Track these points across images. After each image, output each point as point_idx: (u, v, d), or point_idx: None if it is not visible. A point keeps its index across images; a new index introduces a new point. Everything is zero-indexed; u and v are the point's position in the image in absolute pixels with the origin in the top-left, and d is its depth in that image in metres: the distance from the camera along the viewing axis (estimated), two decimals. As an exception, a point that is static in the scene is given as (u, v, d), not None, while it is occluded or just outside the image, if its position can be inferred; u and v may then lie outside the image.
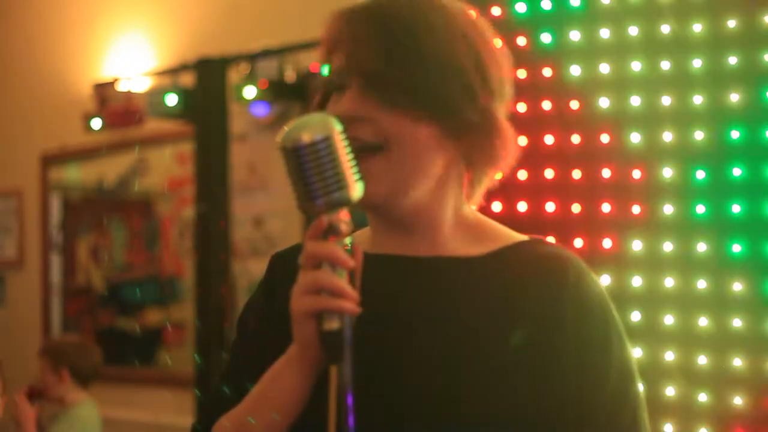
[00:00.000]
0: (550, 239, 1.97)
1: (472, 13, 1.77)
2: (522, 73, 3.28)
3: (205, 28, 6.71)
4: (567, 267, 1.70)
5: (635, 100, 3.23)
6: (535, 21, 3.36)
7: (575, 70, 3.32)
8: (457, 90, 1.68)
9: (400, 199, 1.69)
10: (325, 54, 1.74)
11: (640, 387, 1.73)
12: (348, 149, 1.55)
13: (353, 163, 1.55)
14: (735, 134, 3.09)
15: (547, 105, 3.36)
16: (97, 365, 5.38)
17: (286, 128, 1.55)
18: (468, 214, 1.78)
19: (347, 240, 1.55)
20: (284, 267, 1.76)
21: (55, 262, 7.95)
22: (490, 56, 1.73)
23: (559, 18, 3.34)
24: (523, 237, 1.78)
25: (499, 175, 1.79)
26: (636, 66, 3.24)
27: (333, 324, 1.52)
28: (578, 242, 3.27)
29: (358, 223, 1.73)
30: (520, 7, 3.38)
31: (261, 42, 5.94)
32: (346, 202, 1.54)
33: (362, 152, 1.61)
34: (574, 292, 1.68)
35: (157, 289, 7.21)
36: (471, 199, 1.79)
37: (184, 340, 6.82)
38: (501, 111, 1.75)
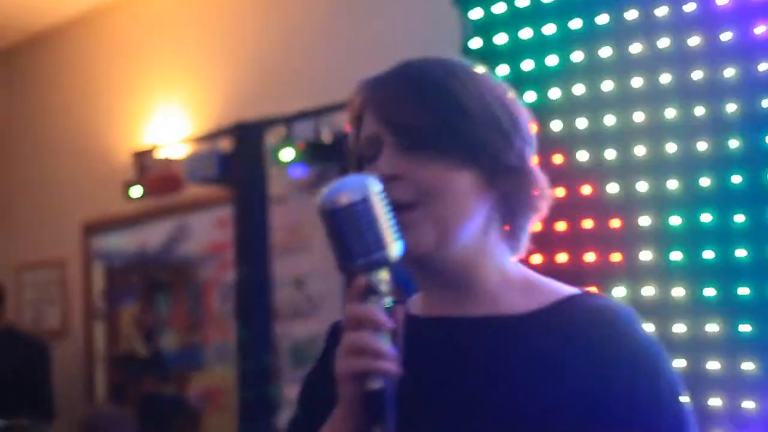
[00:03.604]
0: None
1: (492, 73, 1.83)
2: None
3: (240, 93, 6.76)
4: (614, 319, 1.69)
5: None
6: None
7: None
8: (493, 135, 1.70)
9: (444, 251, 1.70)
10: (354, 121, 1.76)
11: None
12: (387, 208, 1.56)
13: (393, 222, 1.56)
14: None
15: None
16: None
17: (324, 190, 1.57)
18: (513, 267, 1.78)
19: (388, 300, 1.55)
20: (338, 335, 1.77)
21: (99, 329, 7.97)
22: (517, 108, 1.77)
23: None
24: (573, 290, 1.77)
25: (537, 225, 1.80)
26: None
27: (374, 385, 1.52)
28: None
29: (401, 282, 1.73)
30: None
31: (296, 104, 5.98)
32: (385, 263, 1.55)
33: (400, 210, 1.62)
34: (621, 345, 1.66)
35: (201, 355, 7.21)
36: (515, 249, 1.79)
37: (227, 406, 6.81)
38: (533, 159, 1.77)
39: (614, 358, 1.65)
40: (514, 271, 1.78)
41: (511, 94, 1.78)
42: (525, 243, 1.80)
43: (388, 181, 1.64)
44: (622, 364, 1.65)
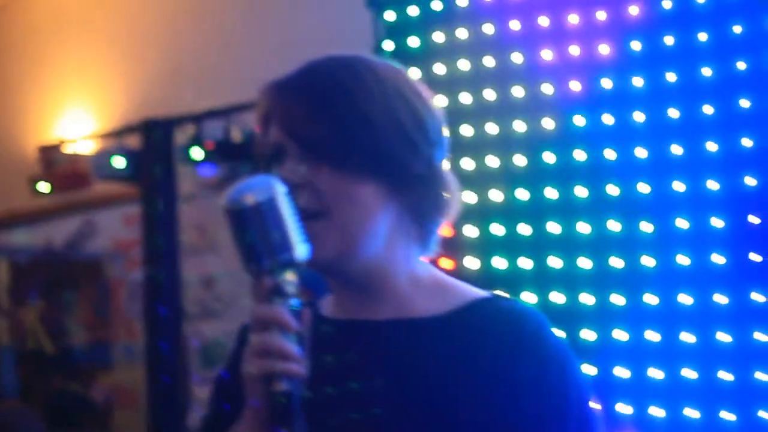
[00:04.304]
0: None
1: (406, 72, 1.80)
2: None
3: (150, 91, 6.69)
4: (523, 322, 1.70)
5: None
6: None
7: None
8: (398, 144, 1.69)
9: (350, 260, 1.69)
10: (260, 126, 1.75)
11: None
12: (293, 210, 1.55)
13: (298, 224, 1.55)
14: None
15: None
16: None
17: (229, 190, 1.55)
18: (423, 269, 1.78)
19: (295, 302, 1.54)
20: (248, 336, 1.76)
21: (4, 326, 7.85)
22: (427, 110, 1.75)
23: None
24: (483, 293, 1.78)
25: (447, 230, 1.80)
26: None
27: (281, 387, 1.51)
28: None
29: (311, 284, 1.72)
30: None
31: (206, 103, 5.94)
32: (291, 264, 1.54)
33: (305, 219, 1.61)
34: (529, 348, 1.67)
35: (108, 353, 7.13)
36: (425, 251, 1.79)
37: (135, 405, 6.75)
38: (443, 162, 1.77)
39: (522, 361, 1.66)
40: (424, 274, 1.78)
41: (424, 95, 1.77)
42: (434, 245, 1.80)
43: (292, 189, 1.62)
44: (530, 367, 1.66)
